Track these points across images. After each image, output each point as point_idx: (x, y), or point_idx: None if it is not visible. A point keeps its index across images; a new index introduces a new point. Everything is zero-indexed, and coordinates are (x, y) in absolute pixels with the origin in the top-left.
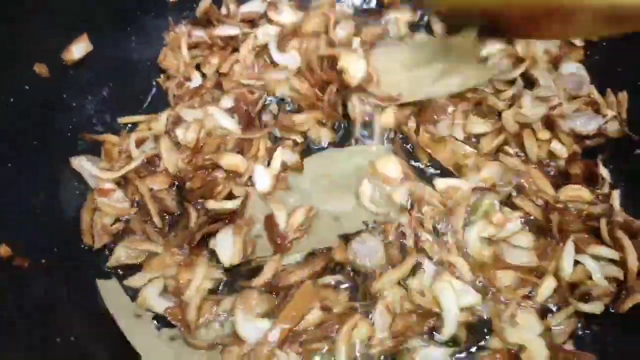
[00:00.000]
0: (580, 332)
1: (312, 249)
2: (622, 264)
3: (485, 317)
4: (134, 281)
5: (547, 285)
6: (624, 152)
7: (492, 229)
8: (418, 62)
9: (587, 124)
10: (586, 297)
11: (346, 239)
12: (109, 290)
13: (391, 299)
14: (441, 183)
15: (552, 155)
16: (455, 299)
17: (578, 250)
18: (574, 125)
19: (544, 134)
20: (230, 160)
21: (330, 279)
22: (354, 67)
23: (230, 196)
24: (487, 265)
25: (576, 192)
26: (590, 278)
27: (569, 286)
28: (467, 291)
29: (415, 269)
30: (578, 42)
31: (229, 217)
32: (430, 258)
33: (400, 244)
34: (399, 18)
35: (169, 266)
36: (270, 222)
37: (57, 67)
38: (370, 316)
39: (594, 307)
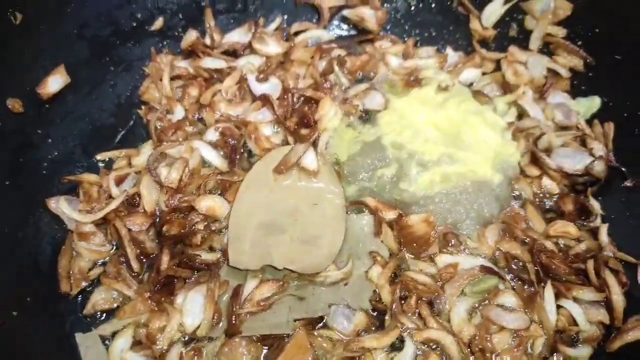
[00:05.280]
0: None
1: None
2: (608, 303)
3: None
4: (104, 329)
5: (538, 342)
6: (614, 184)
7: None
8: None
9: (574, 164)
10: (575, 340)
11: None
12: (89, 346)
13: None
14: (442, 260)
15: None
16: None
17: (561, 295)
18: (561, 164)
19: (533, 171)
20: (208, 203)
21: (325, 332)
22: (329, 115)
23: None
24: (481, 335)
25: (564, 228)
26: (576, 323)
27: (556, 333)
28: None
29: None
30: (564, 73)
31: (202, 267)
32: (411, 336)
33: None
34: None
35: (141, 312)
36: (237, 292)
37: (31, 102)
38: None
39: (581, 352)
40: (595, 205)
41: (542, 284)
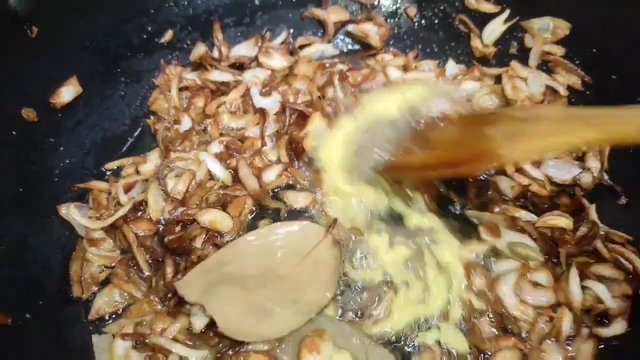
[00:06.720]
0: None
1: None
2: (630, 276)
3: None
4: (109, 328)
5: (566, 320)
6: (608, 202)
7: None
8: None
9: (562, 174)
10: (604, 319)
11: None
12: (103, 349)
13: None
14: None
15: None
16: None
17: (583, 274)
18: (549, 174)
19: (520, 179)
20: (210, 217)
21: None
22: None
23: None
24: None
25: (556, 221)
26: (601, 301)
27: (583, 312)
28: None
29: None
30: (562, 91)
31: None
32: None
33: None
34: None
35: (147, 313)
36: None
37: (45, 111)
38: None
39: (615, 329)
40: (585, 203)
41: (568, 262)
